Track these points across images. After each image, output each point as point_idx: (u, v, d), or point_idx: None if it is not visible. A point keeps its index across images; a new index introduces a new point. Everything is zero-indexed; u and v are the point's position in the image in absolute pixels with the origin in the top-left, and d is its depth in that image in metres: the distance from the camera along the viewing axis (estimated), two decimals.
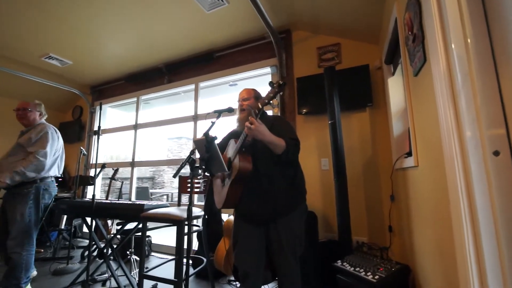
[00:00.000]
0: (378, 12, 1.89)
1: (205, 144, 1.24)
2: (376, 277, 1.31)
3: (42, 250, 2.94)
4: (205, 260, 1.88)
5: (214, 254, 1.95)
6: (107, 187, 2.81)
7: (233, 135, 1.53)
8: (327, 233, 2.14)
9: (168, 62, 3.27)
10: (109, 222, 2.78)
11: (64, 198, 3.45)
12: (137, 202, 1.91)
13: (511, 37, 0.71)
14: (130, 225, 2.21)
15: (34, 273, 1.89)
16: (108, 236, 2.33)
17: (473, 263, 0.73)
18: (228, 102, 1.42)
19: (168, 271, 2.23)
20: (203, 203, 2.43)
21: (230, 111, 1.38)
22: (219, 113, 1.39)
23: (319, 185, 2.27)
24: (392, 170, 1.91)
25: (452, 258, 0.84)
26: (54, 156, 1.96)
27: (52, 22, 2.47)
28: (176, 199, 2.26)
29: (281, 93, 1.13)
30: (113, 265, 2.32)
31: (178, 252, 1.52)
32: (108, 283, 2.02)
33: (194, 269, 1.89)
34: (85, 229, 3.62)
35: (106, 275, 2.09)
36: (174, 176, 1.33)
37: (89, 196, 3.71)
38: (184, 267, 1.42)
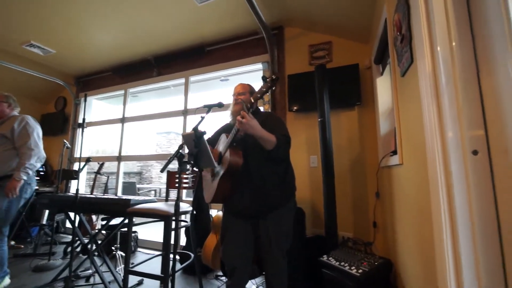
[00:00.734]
0: (369, 12, 1.92)
1: (194, 139, 1.23)
2: (360, 271, 1.35)
3: (22, 246, 2.84)
4: (192, 255, 1.87)
5: (202, 249, 1.95)
6: (92, 182, 2.73)
7: (225, 129, 1.52)
8: (314, 228, 2.18)
9: (158, 54, 3.19)
10: (94, 217, 2.71)
11: (46, 192, 3.33)
12: (123, 197, 1.87)
13: (493, 42, 0.74)
14: (116, 221, 2.17)
15: (7, 281, 1.82)
16: (93, 231, 2.27)
17: (450, 257, 0.76)
18: (219, 97, 1.40)
19: (154, 266, 2.20)
20: (191, 199, 2.41)
21: (220, 106, 1.36)
22: (209, 108, 1.37)
23: (307, 182, 2.30)
24: (378, 168, 1.96)
25: (431, 252, 0.88)
26: (41, 144, 1.92)
27: (34, 7, 2.34)
28: (164, 194, 2.23)
29: (274, 88, 1.13)
30: (98, 261, 2.27)
31: (165, 248, 1.50)
32: (92, 279, 1.98)
33: (181, 264, 1.88)
34: (68, 225, 3.52)
35: (90, 271, 2.05)
36: (162, 171, 1.31)
37: (72, 190, 3.59)
38: (171, 262, 1.41)
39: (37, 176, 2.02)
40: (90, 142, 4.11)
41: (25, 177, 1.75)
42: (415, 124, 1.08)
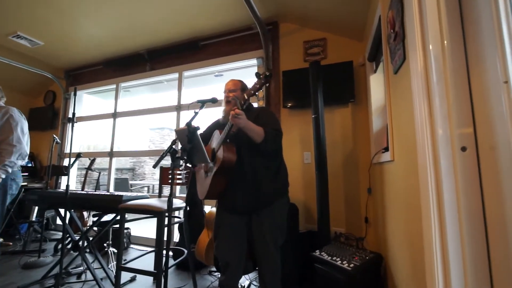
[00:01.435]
0: (363, 9, 1.92)
1: (187, 134, 1.21)
2: (351, 265, 1.37)
3: (11, 243, 2.78)
4: (186, 251, 1.87)
5: (195, 245, 1.95)
6: (83, 178, 2.68)
7: (218, 126, 1.51)
8: (307, 224, 2.21)
9: (151, 48, 3.12)
10: (85, 214, 2.67)
11: (35, 188, 3.25)
12: (115, 193, 1.85)
13: (484, 42, 0.75)
14: (108, 217, 2.14)
15: None
16: (84, 228, 2.24)
17: (438, 251, 0.78)
18: (213, 93, 1.39)
19: (147, 263, 2.20)
20: (185, 195, 2.40)
21: (214, 101, 1.35)
22: (202, 104, 1.36)
23: (301, 178, 2.32)
24: (370, 164, 1.99)
25: (420, 246, 0.90)
26: (25, 140, 1.80)
27: None
28: (157, 190, 2.21)
29: (267, 84, 1.13)
30: (89, 258, 2.24)
31: (158, 244, 1.50)
32: (83, 276, 1.96)
33: (174, 260, 1.88)
34: (58, 221, 3.46)
35: (82, 268, 2.03)
36: (154, 167, 1.30)
37: (63, 186, 3.53)
38: (164, 258, 1.41)
39: (25, 172, 1.95)
40: (81, 138, 4.03)
41: (3, 175, 1.65)
42: (407, 121, 1.10)
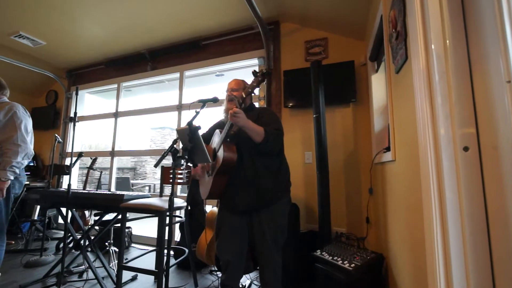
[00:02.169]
0: (365, 8, 1.92)
1: (188, 133, 1.22)
2: (352, 265, 1.37)
3: (13, 242, 2.79)
4: (186, 250, 1.88)
5: (196, 244, 1.95)
6: (85, 177, 2.69)
7: (219, 125, 1.51)
8: (308, 224, 2.20)
9: (152, 48, 3.13)
10: (87, 213, 2.68)
11: (37, 187, 3.27)
12: (117, 192, 1.85)
13: (486, 41, 0.75)
14: (110, 216, 2.15)
15: None
16: (85, 227, 2.25)
17: (439, 252, 0.78)
18: (214, 93, 1.39)
19: (148, 262, 2.20)
20: (186, 194, 2.40)
21: (215, 101, 1.35)
22: (203, 103, 1.36)
23: (302, 178, 2.32)
24: (371, 164, 1.98)
25: (422, 247, 0.90)
26: (29, 138, 1.73)
27: None
28: (158, 190, 2.22)
29: (264, 82, 1.13)
30: (91, 257, 2.25)
31: (159, 243, 1.50)
32: (85, 275, 1.96)
33: (175, 259, 1.88)
34: (60, 220, 3.47)
35: (83, 266, 2.03)
36: (156, 166, 1.30)
37: (64, 186, 3.54)
38: (165, 257, 1.41)
39: (27, 171, 1.94)
40: (83, 137, 4.04)
41: (12, 177, 1.60)
42: (408, 121, 1.09)
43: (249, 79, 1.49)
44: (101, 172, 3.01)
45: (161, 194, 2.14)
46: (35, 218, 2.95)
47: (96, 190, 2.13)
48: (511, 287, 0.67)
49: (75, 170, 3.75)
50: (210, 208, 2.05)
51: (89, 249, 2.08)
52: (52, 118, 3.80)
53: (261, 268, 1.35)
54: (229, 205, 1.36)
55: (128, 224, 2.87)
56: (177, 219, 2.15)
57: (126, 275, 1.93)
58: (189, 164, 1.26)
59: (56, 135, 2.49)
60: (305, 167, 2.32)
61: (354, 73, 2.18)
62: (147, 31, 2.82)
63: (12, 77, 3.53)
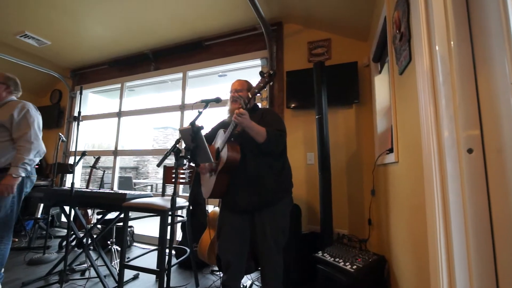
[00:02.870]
0: (368, 9, 1.91)
1: (190, 133, 1.22)
2: (354, 267, 1.36)
3: (17, 240, 2.82)
4: (188, 250, 1.88)
5: (197, 244, 1.95)
6: (88, 176, 2.71)
7: (222, 126, 1.52)
8: (310, 225, 2.20)
9: (155, 48, 3.15)
10: (90, 211, 2.70)
11: (41, 186, 3.30)
12: (119, 192, 1.86)
13: (491, 42, 0.74)
14: (112, 215, 2.16)
15: None
16: (88, 226, 2.26)
17: (442, 255, 0.77)
18: (217, 93, 1.40)
19: (150, 261, 2.21)
20: (188, 194, 2.41)
21: (218, 101, 1.36)
22: (206, 103, 1.37)
23: (304, 179, 2.31)
24: (374, 166, 1.97)
25: (424, 248, 0.89)
26: (40, 136, 1.75)
27: None
28: (160, 189, 2.22)
29: (271, 83, 1.13)
30: (93, 255, 2.26)
31: (161, 242, 1.50)
32: (87, 273, 1.98)
33: (177, 259, 1.88)
34: (63, 219, 3.50)
35: (86, 265, 2.05)
36: (158, 165, 1.30)
37: (68, 184, 3.57)
38: (167, 257, 1.42)
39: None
40: (86, 136, 4.07)
41: (23, 174, 1.60)
42: (412, 123, 1.09)
43: (252, 80, 1.50)
44: (104, 171, 3.03)
45: (163, 194, 2.15)
46: (39, 216, 2.98)
47: (99, 189, 2.14)
48: None
49: (78, 169, 3.78)
50: (212, 208, 2.05)
51: (92, 247, 2.09)
52: (56, 117, 3.83)
53: (262, 268, 1.34)
54: (231, 205, 1.36)
55: (130, 223, 2.88)
56: (179, 218, 2.16)
57: (128, 273, 1.94)
58: (191, 164, 1.27)
59: (60, 134, 2.51)
60: (307, 168, 2.32)
61: (357, 74, 2.17)
62: (150, 32, 2.84)
63: (17, 76, 3.56)
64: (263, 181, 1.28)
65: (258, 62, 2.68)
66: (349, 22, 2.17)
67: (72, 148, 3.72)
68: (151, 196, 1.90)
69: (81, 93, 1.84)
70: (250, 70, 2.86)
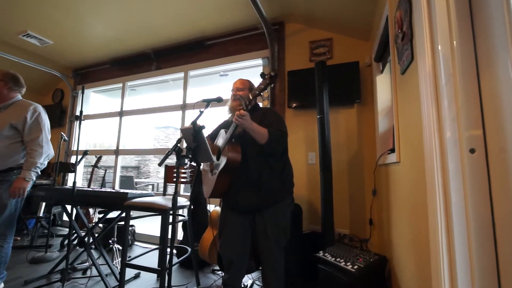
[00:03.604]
0: (370, 8, 1.90)
1: (192, 133, 1.22)
2: (355, 267, 1.36)
3: (19, 238, 2.83)
4: (189, 249, 1.88)
5: (199, 243, 1.96)
6: (89, 175, 2.72)
7: (224, 125, 1.52)
8: (311, 225, 2.20)
9: (157, 48, 3.15)
10: (91, 210, 2.71)
11: (43, 185, 3.31)
12: (121, 191, 1.87)
13: (494, 42, 0.74)
14: (114, 214, 2.17)
15: (1, 286, 1.69)
16: (90, 224, 2.27)
17: (444, 255, 0.77)
18: (218, 92, 1.40)
19: (151, 260, 2.22)
20: (189, 193, 2.41)
21: (219, 101, 1.36)
22: (208, 103, 1.37)
23: (305, 179, 2.31)
24: (375, 166, 1.97)
25: (426, 249, 0.89)
26: (49, 140, 1.77)
27: None
28: (162, 189, 2.23)
29: (272, 85, 1.13)
30: (95, 254, 2.27)
31: (162, 242, 1.51)
32: (88, 272, 1.98)
33: (178, 258, 1.89)
34: (65, 218, 3.51)
35: (87, 263, 2.06)
36: (160, 165, 1.31)
37: (69, 183, 3.58)
38: (168, 256, 1.42)
39: None
40: (88, 135, 4.08)
41: (34, 177, 1.62)
42: (414, 123, 1.08)
43: (254, 80, 1.50)
44: (105, 171, 3.05)
45: (164, 193, 2.15)
46: (41, 215, 2.99)
47: (101, 188, 2.15)
48: None
49: (80, 168, 3.79)
50: (213, 207, 2.06)
51: (93, 246, 2.10)
52: (58, 116, 3.85)
53: (263, 268, 1.35)
54: (232, 205, 1.37)
55: (131, 222, 2.89)
56: (180, 218, 2.16)
57: (129, 272, 1.94)
58: (192, 163, 1.27)
59: (62, 133, 2.53)
60: (309, 168, 2.32)
61: (358, 74, 2.17)
62: (152, 31, 2.84)
63: (20, 75, 3.60)
64: (264, 181, 1.28)
65: (259, 61, 2.68)
66: (351, 22, 2.16)
67: (74, 147, 3.74)
68: (153, 196, 1.91)
69: (83, 93, 1.84)
70: (252, 69, 2.86)
